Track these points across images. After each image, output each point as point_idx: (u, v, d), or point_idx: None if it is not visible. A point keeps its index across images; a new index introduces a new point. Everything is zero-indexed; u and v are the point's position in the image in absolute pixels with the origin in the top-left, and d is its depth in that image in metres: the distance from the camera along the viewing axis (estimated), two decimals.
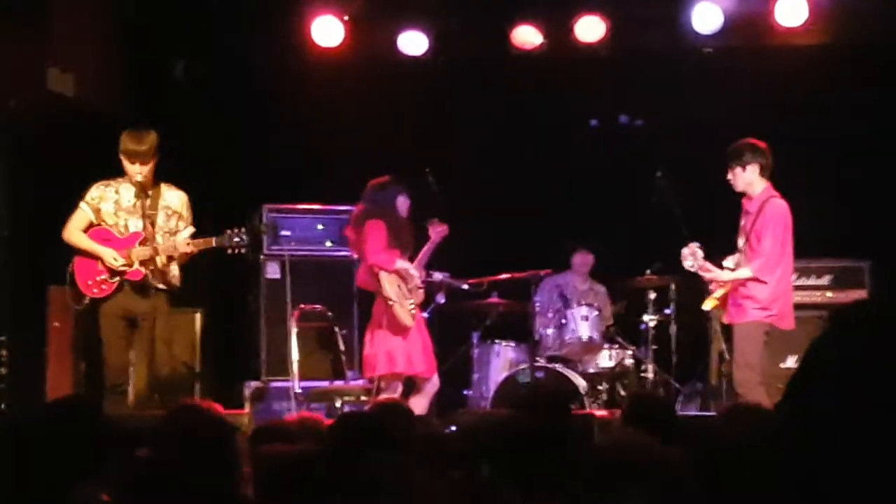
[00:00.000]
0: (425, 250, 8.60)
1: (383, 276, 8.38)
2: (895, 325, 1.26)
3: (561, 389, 8.73)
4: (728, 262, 7.81)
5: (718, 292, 7.80)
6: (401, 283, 8.41)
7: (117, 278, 7.57)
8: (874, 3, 9.42)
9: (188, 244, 7.61)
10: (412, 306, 8.42)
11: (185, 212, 7.80)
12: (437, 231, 8.60)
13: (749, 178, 7.74)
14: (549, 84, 10.36)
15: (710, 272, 7.80)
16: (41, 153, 8.80)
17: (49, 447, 3.22)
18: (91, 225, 7.68)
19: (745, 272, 7.65)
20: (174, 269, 7.73)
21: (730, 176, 7.79)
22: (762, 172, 7.75)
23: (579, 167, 10.61)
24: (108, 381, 7.64)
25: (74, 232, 7.68)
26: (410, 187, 8.60)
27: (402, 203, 8.48)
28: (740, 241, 7.80)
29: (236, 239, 7.65)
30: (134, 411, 7.55)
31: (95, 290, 7.61)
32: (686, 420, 6.68)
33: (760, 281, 7.60)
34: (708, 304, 7.92)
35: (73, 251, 7.69)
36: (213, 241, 7.64)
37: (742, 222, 7.83)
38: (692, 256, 7.79)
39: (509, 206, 10.48)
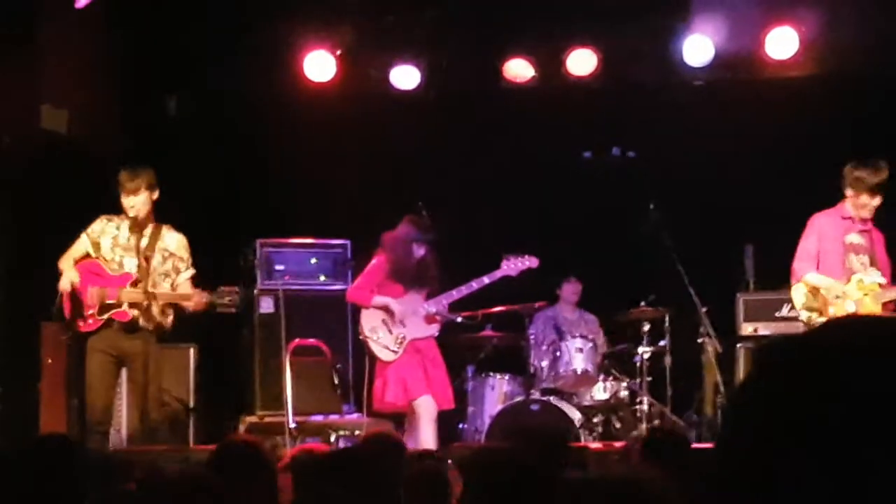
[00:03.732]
0: (486, 276, 8.61)
1: (363, 311, 8.48)
2: (814, 362, 1.17)
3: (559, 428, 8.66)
4: (879, 278, 7.73)
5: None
6: (386, 318, 8.46)
7: (105, 315, 7.55)
8: (863, 34, 9.48)
9: (188, 298, 7.58)
10: (397, 340, 8.43)
11: (184, 254, 7.80)
12: (510, 264, 8.63)
13: None
14: (541, 117, 10.39)
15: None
16: (35, 190, 8.81)
17: (28, 484, 3.22)
18: (87, 256, 7.68)
19: None
20: (166, 314, 7.71)
21: (878, 203, 7.72)
22: None
23: (572, 199, 10.62)
24: (90, 420, 7.61)
25: (66, 260, 7.65)
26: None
27: (419, 248, 8.54)
28: (866, 258, 7.75)
29: (228, 298, 7.64)
30: (118, 449, 7.55)
31: (81, 324, 7.58)
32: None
33: None
34: None
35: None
36: (205, 297, 7.62)
37: (863, 242, 7.77)
38: None
39: (502, 238, 10.48)
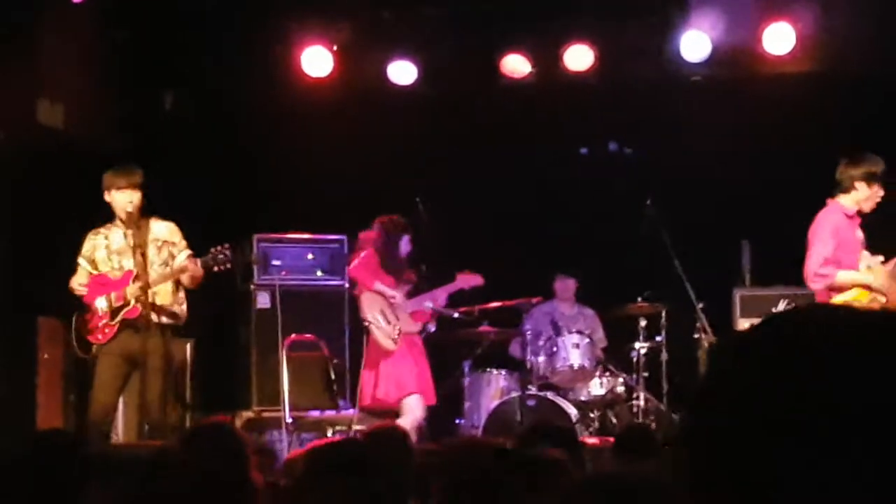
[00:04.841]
0: (441, 289, 8.74)
1: (364, 295, 8.46)
2: (779, 352, 1.15)
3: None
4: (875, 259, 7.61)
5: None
6: (385, 309, 8.46)
7: (117, 320, 7.55)
8: (860, 30, 9.48)
9: (183, 270, 7.56)
10: (395, 330, 8.45)
11: (176, 237, 7.78)
12: (464, 279, 8.79)
13: None
14: (538, 112, 10.39)
15: None
16: (31, 185, 8.81)
17: (29, 481, 3.23)
18: (90, 275, 7.72)
19: None
20: (177, 302, 7.69)
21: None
22: None
23: (569, 195, 10.63)
24: (92, 418, 7.59)
25: (74, 283, 7.73)
26: (403, 218, 8.66)
27: (405, 244, 8.58)
28: (865, 252, 7.65)
29: (220, 256, 7.61)
30: (117, 445, 7.53)
31: (100, 336, 7.60)
32: None
33: None
34: None
35: (74, 305, 7.71)
36: (199, 262, 7.61)
37: (861, 236, 7.66)
38: None
39: (499, 234, 10.50)
